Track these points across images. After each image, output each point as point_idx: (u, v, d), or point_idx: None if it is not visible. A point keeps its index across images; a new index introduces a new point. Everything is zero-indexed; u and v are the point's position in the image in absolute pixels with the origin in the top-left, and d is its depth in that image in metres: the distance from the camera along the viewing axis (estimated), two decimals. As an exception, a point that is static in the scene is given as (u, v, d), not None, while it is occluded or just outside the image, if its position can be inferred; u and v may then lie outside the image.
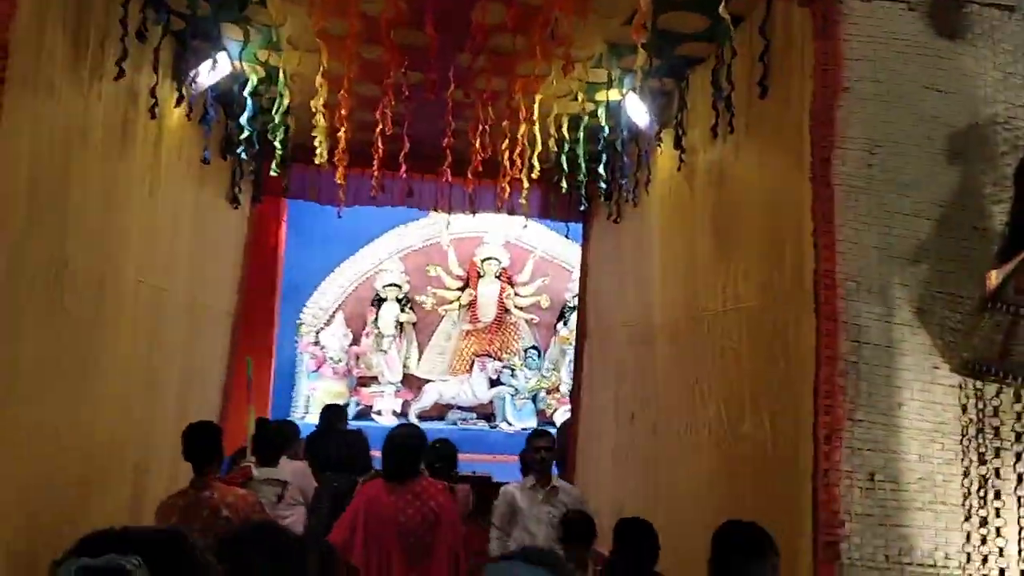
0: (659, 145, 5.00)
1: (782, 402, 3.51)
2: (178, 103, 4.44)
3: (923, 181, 3.30)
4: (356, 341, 11.52)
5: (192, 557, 1.27)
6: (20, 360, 2.95)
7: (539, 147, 4.98)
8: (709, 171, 4.38)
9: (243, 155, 5.27)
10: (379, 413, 11.35)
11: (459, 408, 11.70)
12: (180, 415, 4.94)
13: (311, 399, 11.20)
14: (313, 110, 4.57)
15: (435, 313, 11.91)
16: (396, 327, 11.61)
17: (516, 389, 11.72)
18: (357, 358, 11.52)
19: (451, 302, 11.85)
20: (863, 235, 3.25)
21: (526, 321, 12.08)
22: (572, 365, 11.47)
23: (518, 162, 5.15)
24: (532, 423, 11.67)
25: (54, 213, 3.15)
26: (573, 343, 11.44)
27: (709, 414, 4.11)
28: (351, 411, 11.30)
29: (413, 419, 11.31)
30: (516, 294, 11.96)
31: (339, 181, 5.06)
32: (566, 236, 6.96)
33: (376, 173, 5.29)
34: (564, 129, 5.27)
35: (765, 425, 3.64)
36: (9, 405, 2.88)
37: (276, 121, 4.59)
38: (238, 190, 5.82)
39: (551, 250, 11.99)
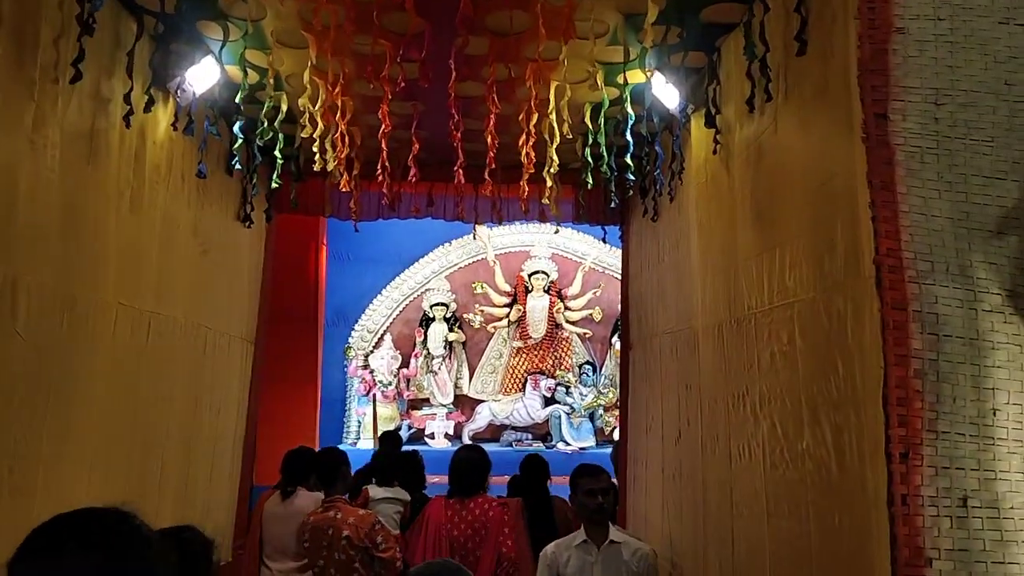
0: (690, 128, 4.41)
1: (844, 413, 2.86)
2: (176, 115, 4.08)
3: (1003, 135, 2.64)
4: (406, 363, 11.13)
5: (140, 533, 1.26)
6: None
7: (557, 139, 4.43)
8: (747, 150, 3.76)
9: (247, 169, 4.89)
10: (431, 436, 10.91)
11: (513, 428, 11.16)
12: (184, 445, 4.57)
13: (362, 424, 10.84)
14: (302, 109, 4.14)
15: (484, 331, 11.43)
16: (445, 347, 11.18)
17: (572, 407, 11.12)
18: (407, 381, 11.12)
19: (500, 319, 11.35)
20: (933, 204, 2.59)
21: (579, 336, 11.48)
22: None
23: (536, 159, 4.61)
24: (590, 442, 11.04)
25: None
26: (624, 356, 10.84)
27: (762, 430, 3.46)
28: (403, 435, 10.91)
29: (466, 441, 10.84)
30: (567, 308, 11.39)
31: (344, 189, 4.62)
32: (603, 240, 6.31)
33: (385, 181, 4.84)
34: (586, 119, 4.71)
35: (827, 442, 2.98)
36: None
37: (266, 127, 4.17)
38: (250, 208, 5.44)
39: (602, 260, 11.40)
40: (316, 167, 4.45)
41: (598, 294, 11.33)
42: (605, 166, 4.59)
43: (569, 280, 11.44)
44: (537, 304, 11.31)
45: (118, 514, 1.27)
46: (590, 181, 4.68)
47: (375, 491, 4.74)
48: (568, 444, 10.86)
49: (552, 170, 4.64)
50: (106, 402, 3.59)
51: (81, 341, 3.36)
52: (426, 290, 11.32)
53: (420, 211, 6.02)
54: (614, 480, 5.37)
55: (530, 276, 11.32)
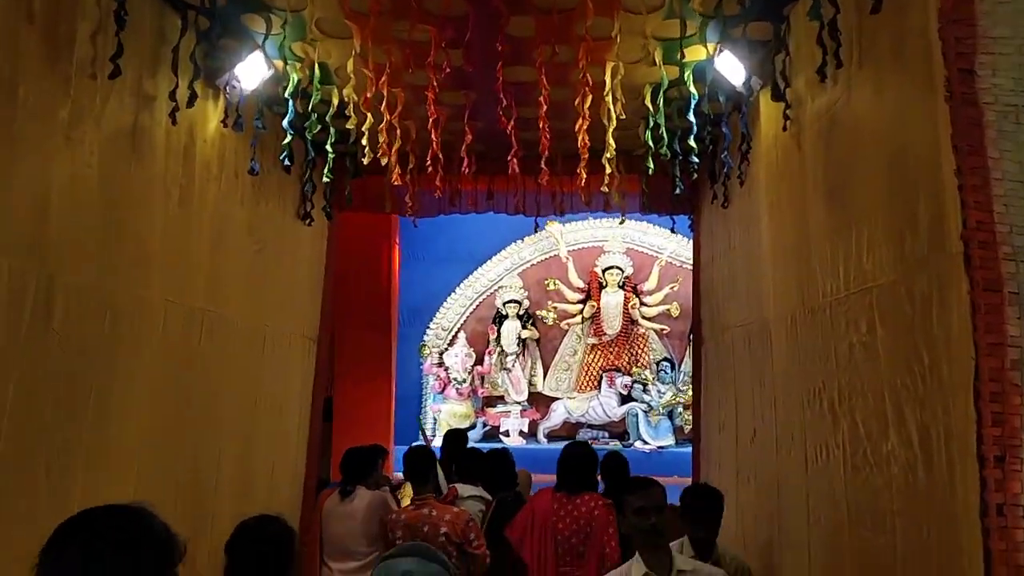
0: (758, 106, 4.08)
1: (932, 410, 2.52)
2: (226, 111, 4.05)
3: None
4: (480, 361, 11.02)
5: (155, 530, 1.36)
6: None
7: (614, 123, 4.17)
8: (818, 123, 3.41)
9: (304, 166, 4.84)
10: (506, 434, 10.76)
11: (590, 427, 10.89)
12: (242, 443, 4.54)
13: (437, 421, 10.79)
14: (347, 101, 4.02)
15: (558, 328, 11.20)
16: (519, 344, 11.00)
17: (649, 405, 10.75)
18: (482, 378, 11.01)
19: (573, 316, 11.10)
20: (1032, 169, 2.24)
21: (656, 332, 11.10)
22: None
23: (594, 145, 4.36)
24: (669, 441, 10.66)
25: (27, 224, 2.73)
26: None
27: (841, 430, 3.12)
28: (478, 432, 10.83)
29: (542, 439, 10.65)
30: (642, 303, 11.02)
31: (396, 183, 4.49)
32: (672, 231, 5.99)
33: (439, 174, 4.68)
34: (646, 101, 4.43)
35: (913, 443, 2.64)
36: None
37: (314, 120, 4.08)
38: (309, 205, 5.40)
39: (679, 254, 10.97)
40: (366, 160, 4.33)
41: (675, 289, 10.91)
42: (666, 149, 4.29)
43: (644, 275, 11.07)
44: (611, 300, 10.99)
45: (139, 512, 1.37)
46: (652, 166, 4.40)
47: (463, 489, 4.76)
48: (646, 443, 10.51)
49: (610, 156, 4.38)
50: (153, 401, 3.56)
51: (125, 340, 3.33)
52: (499, 287, 11.19)
53: (479, 205, 5.86)
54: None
55: (604, 272, 11.02)
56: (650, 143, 4.40)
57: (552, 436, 10.73)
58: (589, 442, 9.67)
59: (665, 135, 4.29)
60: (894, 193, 2.69)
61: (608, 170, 4.49)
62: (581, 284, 11.08)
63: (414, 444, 5.18)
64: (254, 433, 4.71)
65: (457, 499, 4.70)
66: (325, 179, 4.47)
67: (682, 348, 11.08)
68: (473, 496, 4.83)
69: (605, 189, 4.50)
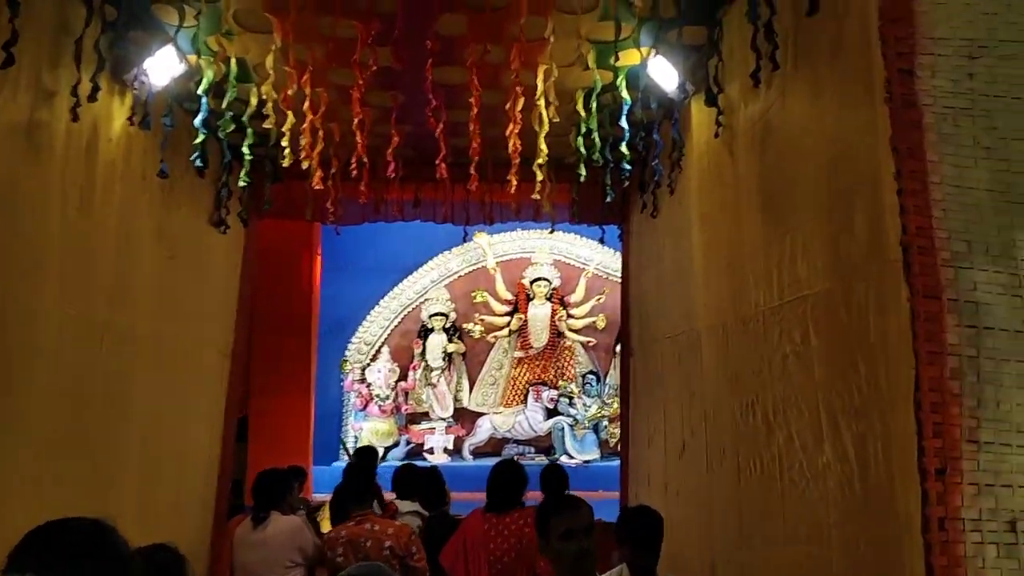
0: (690, 112, 4.04)
1: (869, 421, 2.47)
2: (133, 108, 3.75)
3: (1052, 94, 2.26)
4: (404, 376, 10.75)
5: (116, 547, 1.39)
6: None
7: (546, 128, 4.07)
8: (752, 129, 3.38)
9: (220, 169, 4.55)
10: (430, 451, 10.51)
11: (516, 442, 10.75)
12: (146, 465, 4.20)
13: (358, 439, 10.44)
14: (264, 99, 3.79)
15: (485, 341, 11.04)
16: (444, 359, 10.79)
17: (575, 419, 10.70)
18: (405, 394, 10.73)
19: (501, 328, 10.96)
20: (969, 174, 2.22)
21: (582, 344, 11.07)
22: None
23: (525, 152, 4.24)
24: (595, 455, 10.61)
25: None
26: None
27: (776, 443, 3.06)
28: (401, 450, 10.55)
29: (467, 456, 10.45)
30: (569, 315, 10.98)
31: (317, 187, 4.26)
32: (600, 241, 5.93)
33: (364, 178, 4.48)
34: (578, 106, 4.34)
35: (850, 456, 2.59)
36: None
37: (227, 119, 3.82)
38: (225, 211, 5.09)
39: (606, 265, 10.98)
40: (286, 163, 4.09)
41: (602, 300, 10.92)
42: (598, 154, 4.21)
43: (572, 287, 11.04)
44: (539, 312, 10.92)
45: (98, 526, 1.37)
46: (583, 173, 4.30)
47: (401, 505, 4.85)
48: (572, 457, 10.44)
49: (542, 162, 4.27)
50: (45, 419, 3.22)
51: (13, 353, 3.00)
52: (425, 300, 10.96)
53: (405, 213, 5.67)
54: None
55: (532, 283, 10.94)
56: (582, 150, 4.31)
57: (477, 453, 10.55)
58: (515, 458, 9.54)
59: (597, 141, 4.20)
60: (831, 198, 2.65)
61: (539, 177, 4.38)
62: (509, 296, 10.96)
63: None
64: (159, 454, 4.36)
65: (397, 514, 4.72)
66: (242, 183, 4.20)
67: (608, 361, 11.09)
68: (412, 512, 4.83)
69: (536, 197, 4.38)
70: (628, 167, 4.15)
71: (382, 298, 10.98)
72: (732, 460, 3.46)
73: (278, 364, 9.20)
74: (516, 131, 3.96)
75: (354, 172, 4.31)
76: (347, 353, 10.76)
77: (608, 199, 4.52)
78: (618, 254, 11.11)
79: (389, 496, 5.14)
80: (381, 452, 10.05)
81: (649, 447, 4.98)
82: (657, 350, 4.87)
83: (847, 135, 2.53)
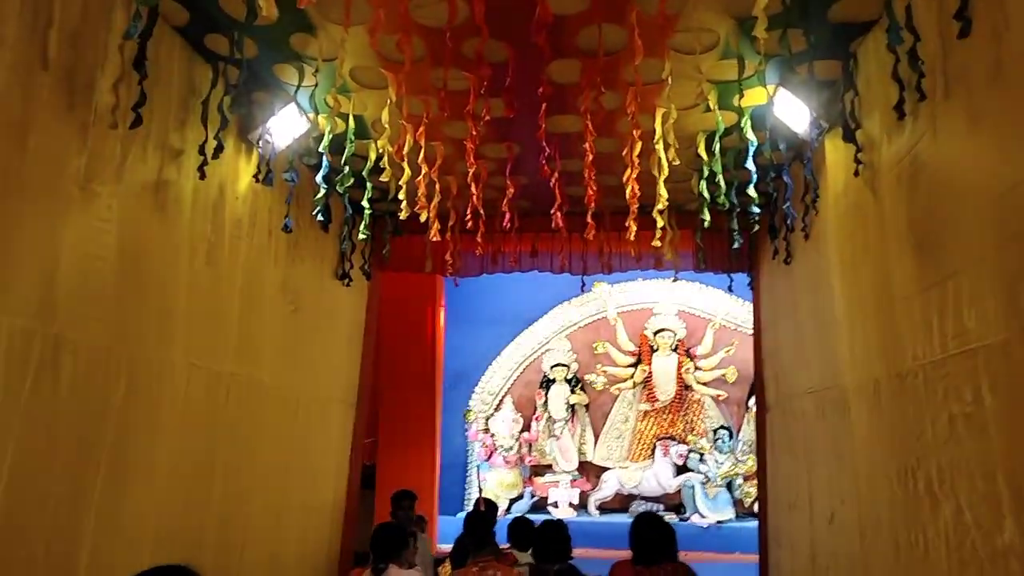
0: (824, 152, 3.72)
1: (1064, 499, 2.06)
2: (259, 167, 3.87)
3: None
4: (527, 427, 10.56)
5: None
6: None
7: (665, 172, 3.86)
8: (897, 166, 3.03)
9: (344, 224, 4.62)
10: (555, 505, 10.20)
11: (643, 498, 10.25)
12: (271, 514, 4.21)
13: (483, 490, 10.30)
14: (381, 152, 3.80)
15: (608, 393, 10.70)
16: (567, 410, 10.53)
17: (707, 476, 10.10)
18: (529, 445, 10.53)
19: (624, 380, 10.59)
20: None
21: (712, 398, 10.51)
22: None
23: (644, 198, 4.03)
24: (729, 515, 9.94)
25: (33, 280, 2.51)
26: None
27: (942, 517, 2.65)
28: (526, 503, 10.31)
29: (593, 511, 10.06)
30: (697, 368, 10.47)
31: (434, 238, 4.22)
32: (728, 290, 5.58)
33: (480, 230, 4.42)
34: (700, 150, 4.11)
35: (1039, 536, 2.17)
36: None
37: (346, 173, 3.85)
38: (348, 265, 5.17)
39: (733, 316, 10.47)
40: (403, 215, 4.08)
41: (731, 352, 10.36)
42: (723, 197, 3.94)
43: (698, 338, 10.56)
44: (664, 364, 10.49)
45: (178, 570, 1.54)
46: (707, 219, 4.04)
47: (520, 556, 4.78)
48: (703, 516, 9.83)
49: (662, 207, 4.05)
50: (173, 468, 3.28)
51: (142, 405, 3.07)
52: (546, 351, 10.78)
53: (522, 264, 5.56)
54: None
55: (655, 334, 10.55)
56: (705, 194, 4.06)
57: (604, 508, 10.14)
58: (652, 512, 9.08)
59: (723, 185, 3.94)
60: (1002, 239, 2.29)
61: (660, 223, 4.15)
62: (631, 347, 10.62)
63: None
64: (285, 503, 4.38)
65: (516, 564, 4.63)
66: (362, 236, 4.23)
67: (740, 415, 10.47)
68: (527, 563, 4.70)
69: (657, 243, 4.14)
70: (757, 210, 3.85)
71: (503, 348, 10.90)
72: (890, 533, 3.03)
73: (405, 415, 9.28)
74: (634, 176, 3.77)
75: (470, 224, 4.24)
76: (471, 403, 10.71)
77: (735, 245, 4.21)
78: (747, 304, 10.64)
79: (504, 547, 5.03)
80: (506, 504, 9.88)
81: (791, 511, 4.53)
82: (797, 406, 4.45)
83: (1017, 167, 2.18)
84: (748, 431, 10.33)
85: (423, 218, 4.33)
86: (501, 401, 10.74)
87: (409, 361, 9.28)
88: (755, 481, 10.05)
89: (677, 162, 3.68)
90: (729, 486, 10.15)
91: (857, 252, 3.45)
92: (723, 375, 10.37)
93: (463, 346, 10.68)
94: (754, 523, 9.57)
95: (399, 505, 5.21)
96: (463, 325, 10.73)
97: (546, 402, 10.58)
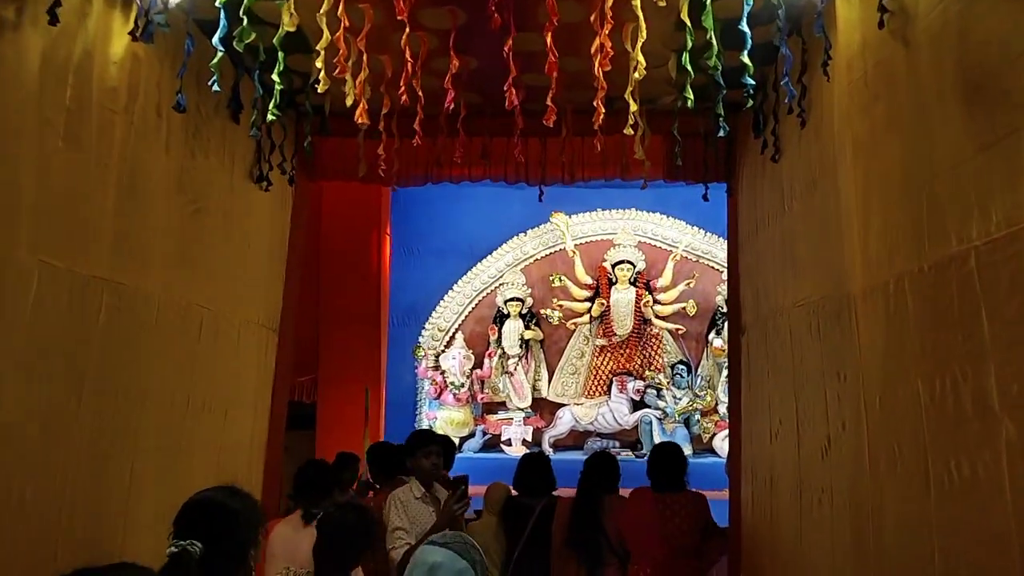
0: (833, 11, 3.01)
1: None
2: (136, 24, 3.02)
3: None
4: (479, 364, 9.94)
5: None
6: None
7: (643, 36, 3.12)
8: (942, 17, 2.34)
9: (255, 113, 3.77)
10: (508, 443, 9.68)
11: (599, 435, 9.78)
12: (166, 455, 3.46)
13: (433, 429, 9.67)
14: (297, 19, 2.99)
15: (564, 328, 10.11)
16: (522, 346, 9.92)
17: (664, 412, 9.65)
18: (481, 383, 9.92)
19: (581, 315, 10.01)
20: None
21: (670, 332, 10.00)
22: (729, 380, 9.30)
23: (612, 90, 3.31)
24: (686, 451, 9.48)
25: None
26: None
27: (1002, 437, 2.03)
28: (478, 441, 9.77)
29: (547, 448, 9.53)
30: (656, 301, 9.92)
31: (360, 121, 3.42)
32: (704, 199, 4.90)
33: (419, 116, 3.64)
34: (682, 14, 3.34)
35: None
36: None
37: (245, 28, 3.01)
38: (267, 167, 4.34)
39: (695, 247, 9.92)
40: (320, 88, 3.26)
41: (692, 285, 9.82)
42: (714, 60, 3.16)
43: (658, 271, 9.98)
44: (622, 298, 9.90)
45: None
46: (691, 98, 3.31)
47: None
48: (661, 453, 9.39)
49: (633, 87, 3.32)
50: (19, 391, 2.49)
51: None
52: (500, 284, 10.11)
53: (472, 172, 4.82)
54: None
55: (614, 267, 9.93)
56: (688, 66, 3.30)
57: (558, 445, 9.65)
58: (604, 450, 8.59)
59: (716, 48, 3.17)
60: None
61: (633, 107, 3.42)
62: (589, 280, 10.00)
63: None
64: (186, 443, 3.63)
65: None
66: (271, 117, 3.40)
67: (699, 350, 10.00)
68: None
69: (629, 131, 3.40)
70: (751, 82, 3.13)
71: (455, 282, 10.19)
72: (915, 463, 2.43)
73: (347, 350, 8.56)
74: (604, 51, 3.04)
75: (404, 99, 3.44)
76: (420, 339, 10.02)
77: (721, 133, 3.49)
78: (709, 236, 10.08)
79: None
80: (457, 442, 9.29)
81: (772, 442, 3.96)
82: (783, 324, 3.84)
83: None
84: (707, 366, 9.89)
85: (349, 101, 3.53)
86: (452, 337, 10.08)
87: (352, 292, 8.52)
88: (714, 417, 9.67)
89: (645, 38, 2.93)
90: (687, 422, 9.74)
91: (878, 125, 2.77)
92: (683, 308, 9.84)
93: (412, 280, 9.95)
94: (712, 459, 9.18)
95: (345, 467, 4.69)
96: (412, 258, 10.00)
97: (499, 338, 9.96)
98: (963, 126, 2.22)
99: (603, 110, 3.40)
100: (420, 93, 3.65)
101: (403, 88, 3.41)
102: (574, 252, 10.00)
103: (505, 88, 3.38)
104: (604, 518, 4.14)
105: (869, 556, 2.75)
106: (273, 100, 3.40)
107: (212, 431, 3.89)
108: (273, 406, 4.58)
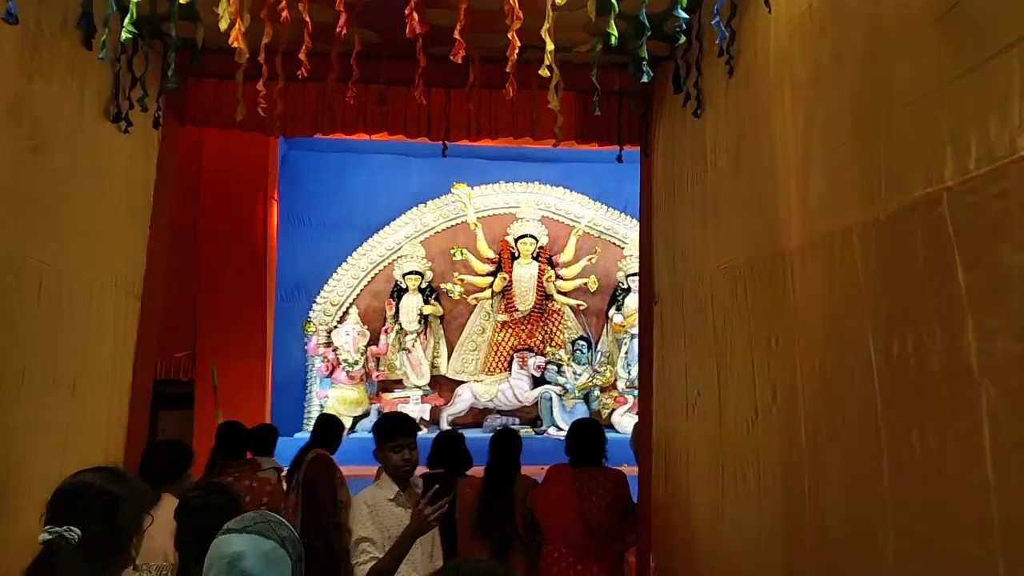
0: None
1: None
2: None
3: None
4: (375, 340, 9.41)
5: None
6: None
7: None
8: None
9: (109, 39, 3.13)
10: (405, 423, 9.18)
11: (499, 412, 9.50)
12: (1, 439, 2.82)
13: (324, 409, 9.08)
14: None
15: (465, 303, 9.73)
16: (420, 321, 9.46)
17: (564, 388, 9.45)
18: (377, 360, 9.40)
19: (482, 289, 9.65)
20: None
21: (572, 308, 9.79)
22: (628, 356, 9.18)
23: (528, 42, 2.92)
24: (586, 427, 9.38)
25: None
26: (630, 330, 9.14)
27: (987, 404, 1.78)
28: (372, 420, 9.22)
29: (445, 427, 9.13)
30: (558, 276, 9.69)
31: (239, 59, 2.88)
32: (618, 160, 4.59)
33: (304, 49, 3.12)
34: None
35: None
36: None
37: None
38: (127, 104, 3.68)
39: (597, 223, 9.75)
40: (198, 40, 2.70)
41: (594, 261, 9.66)
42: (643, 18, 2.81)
43: (560, 245, 9.76)
44: (524, 272, 9.61)
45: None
46: (615, 33, 2.94)
47: (264, 461, 4.87)
48: (560, 429, 9.18)
49: (549, 26, 2.95)
50: None
51: None
52: (398, 257, 9.60)
53: (367, 122, 4.30)
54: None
55: (516, 241, 9.62)
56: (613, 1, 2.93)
57: (457, 423, 9.26)
58: (500, 428, 8.23)
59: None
60: None
61: (549, 47, 3.03)
62: (491, 254, 9.64)
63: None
64: (23, 421, 2.98)
65: (260, 470, 4.56)
66: (125, 35, 2.79)
67: (600, 326, 9.86)
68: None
69: (545, 73, 3.02)
70: (685, 15, 2.80)
71: (350, 255, 9.59)
72: (864, 431, 2.18)
73: (229, 324, 7.85)
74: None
75: (287, 21, 2.91)
76: (311, 314, 9.37)
77: (644, 79, 3.15)
78: (611, 211, 9.94)
79: None
80: (350, 422, 8.76)
81: (689, 416, 3.70)
82: (702, 290, 3.57)
83: None
84: (607, 342, 9.77)
85: (223, 24, 2.97)
86: (346, 312, 9.50)
87: (235, 261, 7.79)
88: (613, 393, 9.54)
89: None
90: (587, 398, 9.58)
91: (824, 62, 2.49)
92: (585, 284, 9.65)
93: (302, 251, 9.30)
94: (612, 435, 9.06)
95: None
96: (303, 227, 9.35)
97: (397, 313, 9.46)
98: (933, 53, 1.95)
99: (518, 44, 2.99)
100: (308, 18, 3.12)
101: (284, 4, 2.86)
102: (476, 225, 9.62)
103: (407, 12, 2.90)
104: (515, 500, 3.81)
105: (805, 536, 2.50)
106: (129, 15, 2.80)
107: (55, 408, 3.24)
108: (135, 381, 3.94)
